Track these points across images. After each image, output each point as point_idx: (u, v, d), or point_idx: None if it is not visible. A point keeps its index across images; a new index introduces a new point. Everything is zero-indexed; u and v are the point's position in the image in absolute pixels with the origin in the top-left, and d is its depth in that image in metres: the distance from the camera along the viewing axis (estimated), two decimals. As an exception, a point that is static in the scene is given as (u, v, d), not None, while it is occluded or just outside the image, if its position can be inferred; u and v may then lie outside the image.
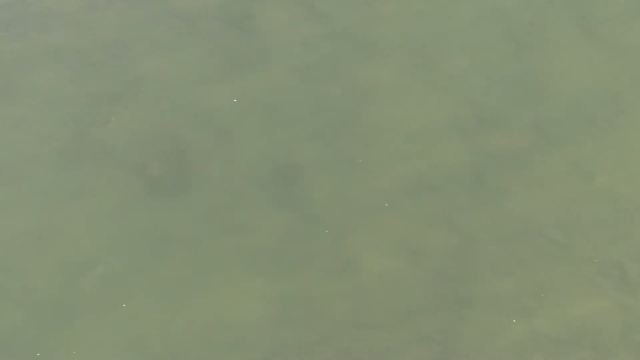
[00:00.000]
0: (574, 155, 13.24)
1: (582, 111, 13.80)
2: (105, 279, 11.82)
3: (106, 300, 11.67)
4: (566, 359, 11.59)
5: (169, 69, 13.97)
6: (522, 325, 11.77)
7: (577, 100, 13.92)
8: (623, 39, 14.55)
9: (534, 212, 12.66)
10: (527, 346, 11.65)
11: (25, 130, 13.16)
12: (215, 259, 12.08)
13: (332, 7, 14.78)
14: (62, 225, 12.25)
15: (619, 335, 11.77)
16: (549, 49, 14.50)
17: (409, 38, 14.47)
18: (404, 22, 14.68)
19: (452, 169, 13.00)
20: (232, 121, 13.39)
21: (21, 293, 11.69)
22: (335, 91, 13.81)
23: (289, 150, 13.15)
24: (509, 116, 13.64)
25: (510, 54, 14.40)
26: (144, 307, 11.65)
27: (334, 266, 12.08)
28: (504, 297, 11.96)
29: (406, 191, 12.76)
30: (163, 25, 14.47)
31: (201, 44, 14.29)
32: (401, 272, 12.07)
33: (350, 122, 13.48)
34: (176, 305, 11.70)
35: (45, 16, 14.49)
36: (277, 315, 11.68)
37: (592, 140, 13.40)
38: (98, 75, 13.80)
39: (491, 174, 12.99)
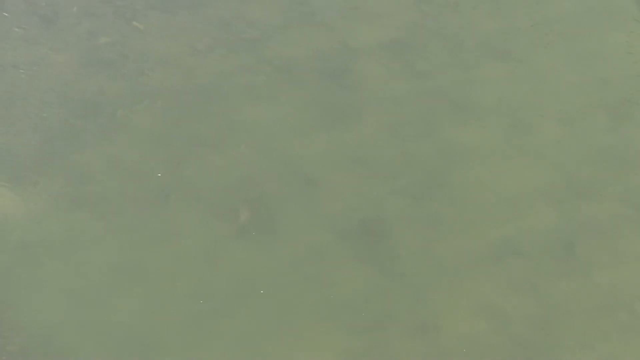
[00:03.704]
0: (666, 231, 13.06)
1: (676, 186, 13.63)
2: (187, 321, 11.90)
3: (186, 343, 11.73)
4: None
5: (264, 116, 14.11)
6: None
7: (672, 175, 13.76)
8: None
9: (621, 284, 12.46)
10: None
11: (120, 167, 13.36)
12: (295, 308, 12.08)
13: (431, 66, 14.82)
14: (149, 263, 12.39)
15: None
16: (645, 121, 14.39)
17: (504, 102, 14.44)
18: (500, 86, 14.65)
19: (541, 236, 12.86)
20: (321, 172, 13.45)
21: (103, 329, 11.81)
22: (426, 150, 13.80)
23: (376, 205, 13.14)
24: (601, 186, 13.49)
25: (606, 123, 14.27)
26: (222, 353, 11.69)
27: (414, 325, 11.99)
28: (585, 369, 11.78)
29: (493, 255, 12.66)
30: (261, 73, 14.64)
31: (297, 95, 14.42)
32: (482, 336, 11.93)
33: (440, 181, 13.45)
34: (254, 353, 11.72)
35: (147, 57, 14.76)
36: (354, 370, 11.65)
37: (686, 216, 13.21)
38: (194, 119, 14.00)
39: (580, 244, 12.83)
